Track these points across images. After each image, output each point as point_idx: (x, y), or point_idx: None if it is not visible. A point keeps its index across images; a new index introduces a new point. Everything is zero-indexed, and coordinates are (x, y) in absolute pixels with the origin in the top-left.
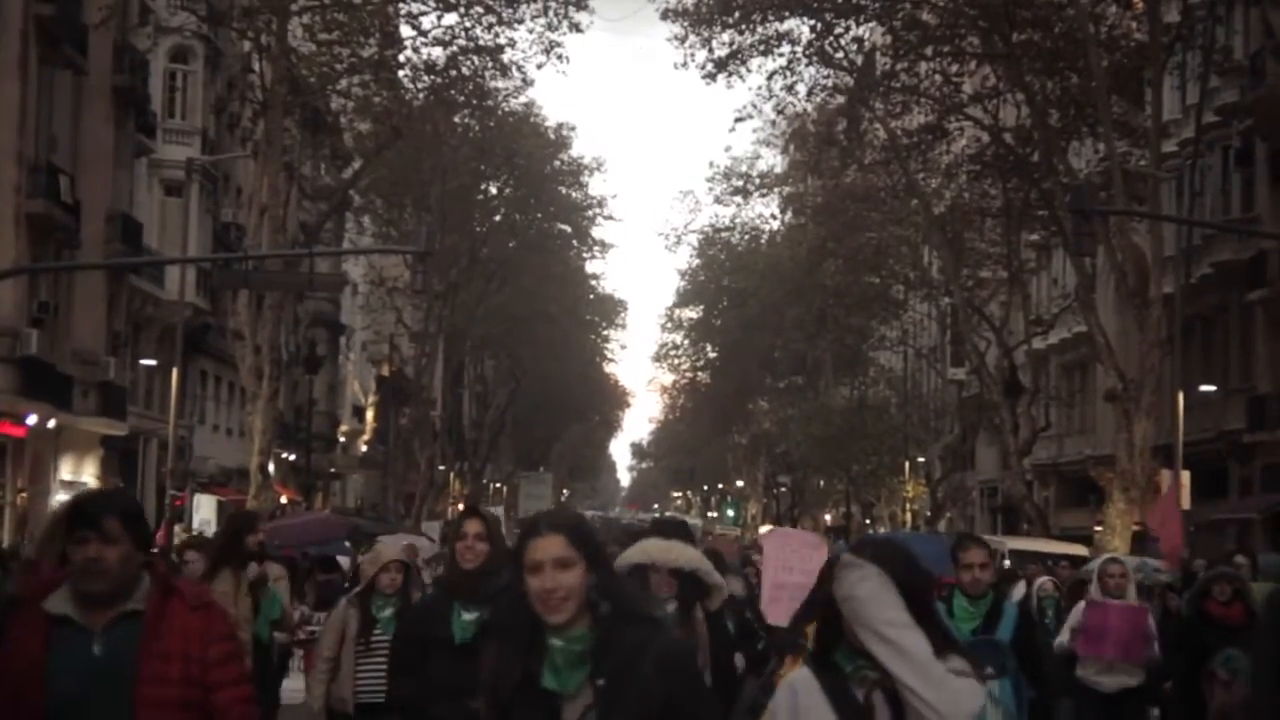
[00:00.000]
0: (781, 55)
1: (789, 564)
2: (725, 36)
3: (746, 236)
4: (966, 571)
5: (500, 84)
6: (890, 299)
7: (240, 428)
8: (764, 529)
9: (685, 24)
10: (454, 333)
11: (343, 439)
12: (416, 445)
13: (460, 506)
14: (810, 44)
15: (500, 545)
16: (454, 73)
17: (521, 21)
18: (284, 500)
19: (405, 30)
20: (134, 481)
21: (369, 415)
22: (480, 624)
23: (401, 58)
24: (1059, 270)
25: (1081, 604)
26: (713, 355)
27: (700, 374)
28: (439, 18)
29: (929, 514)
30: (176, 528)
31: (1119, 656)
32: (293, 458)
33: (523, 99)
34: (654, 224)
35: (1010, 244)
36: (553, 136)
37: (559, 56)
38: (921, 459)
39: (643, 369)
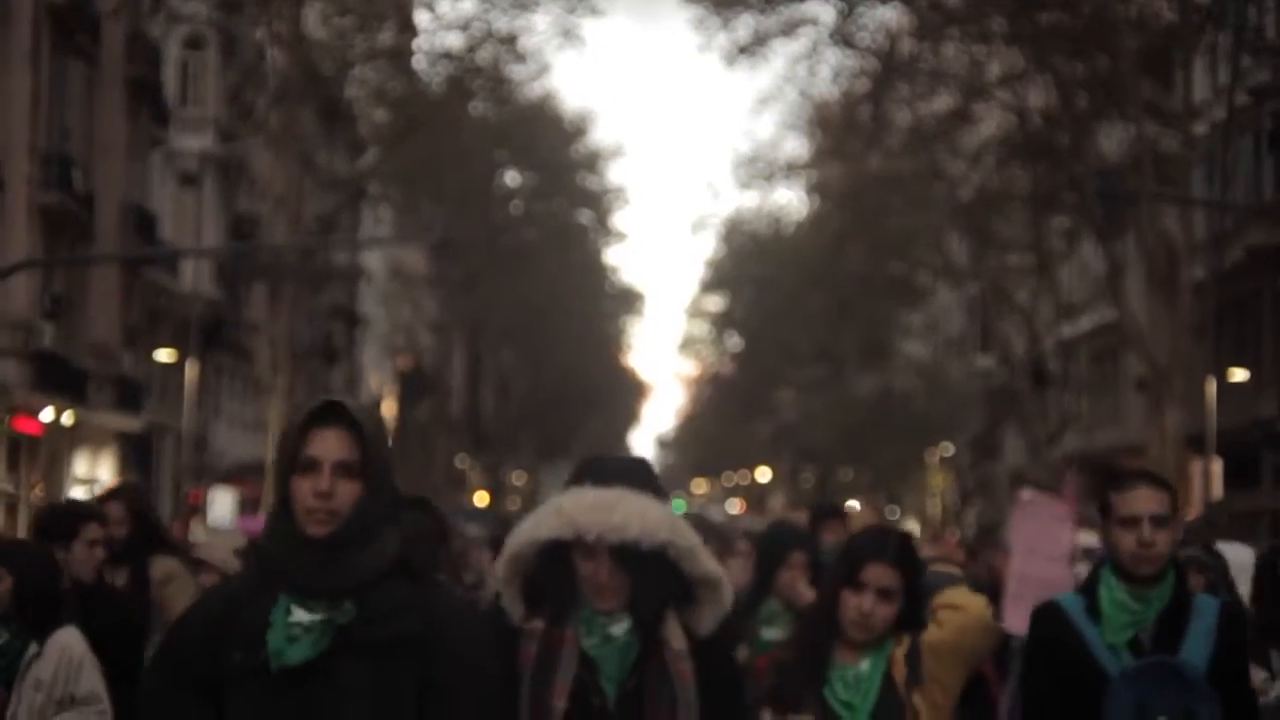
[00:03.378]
0: (805, 38)
1: (1036, 545)
2: (747, 20)
3: (771, 223)
4: (1128, 530)
5: (517, 70)
6: (916, 286)
7: (257, 421)
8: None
9: (706, 7)
10: (473, 323)
11: None
12: (435, 437)
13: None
14: (834, 27)
15: (383, 483)
16: (470, 59)
17: (539, 5)
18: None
19: (421, 17)
20: (150, 476)
21: (387, 407)
22: (330, 631)
23: (417, 44)
24: (1088, 256)
25: None
26: (736, 345)
27: (724, 364)
28: (454, 3)
29: (959, 506)
30: (193, 522)
31: None
32: None
33: (540, 86)
34: (676, 211)
35: (1038, 229)
36: (571, 124)
37: (578, 39)
38: (949, 449)
39: (665, 359)
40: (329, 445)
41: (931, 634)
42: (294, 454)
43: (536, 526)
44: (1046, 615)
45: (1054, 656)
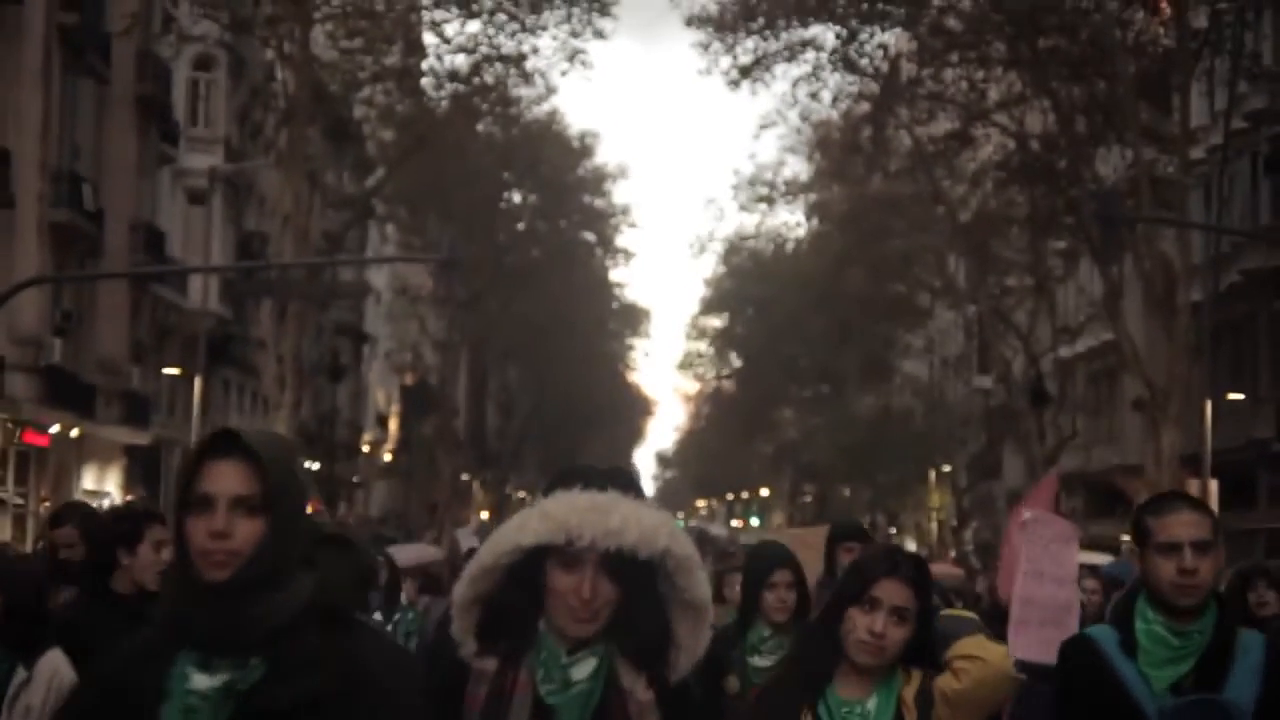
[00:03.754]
0: (806, 62)
1: (1040, 567)
2: (749, 43)
3: (771, 244)
4: (1167, 557)
5: (524, 91)
6: (915, 307)
7: None
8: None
9: (709, 31)
10: (477, 341)
11: (366, 448)
12: (440, 454)
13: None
14: (835, 51)
15: (291, 519)
16: (477, 80)
17: (545, 28)
18: (307, 510)
19: (428, 38)
20: (157, 491)
21: (392, 424)
22: (231, 700)
23: (424, 65)
24: (1086, 278)
25: None
26: (737, 364)
27: (725, 382)
28: (462, 25)
29: (955, 524)
30: None
31: None
32: (316, 467)
33: (546, 106)
34: (678, 231)
35: (1036, 252)
36: (576, 145)
37: (582, 63)
38: (947, 468)
39: (667, 377)
40: (224, 479)
41: (948, 684)
42: (186, 490)
43: (519, 532)
44: (1078, 650)
45: (1088, 695)
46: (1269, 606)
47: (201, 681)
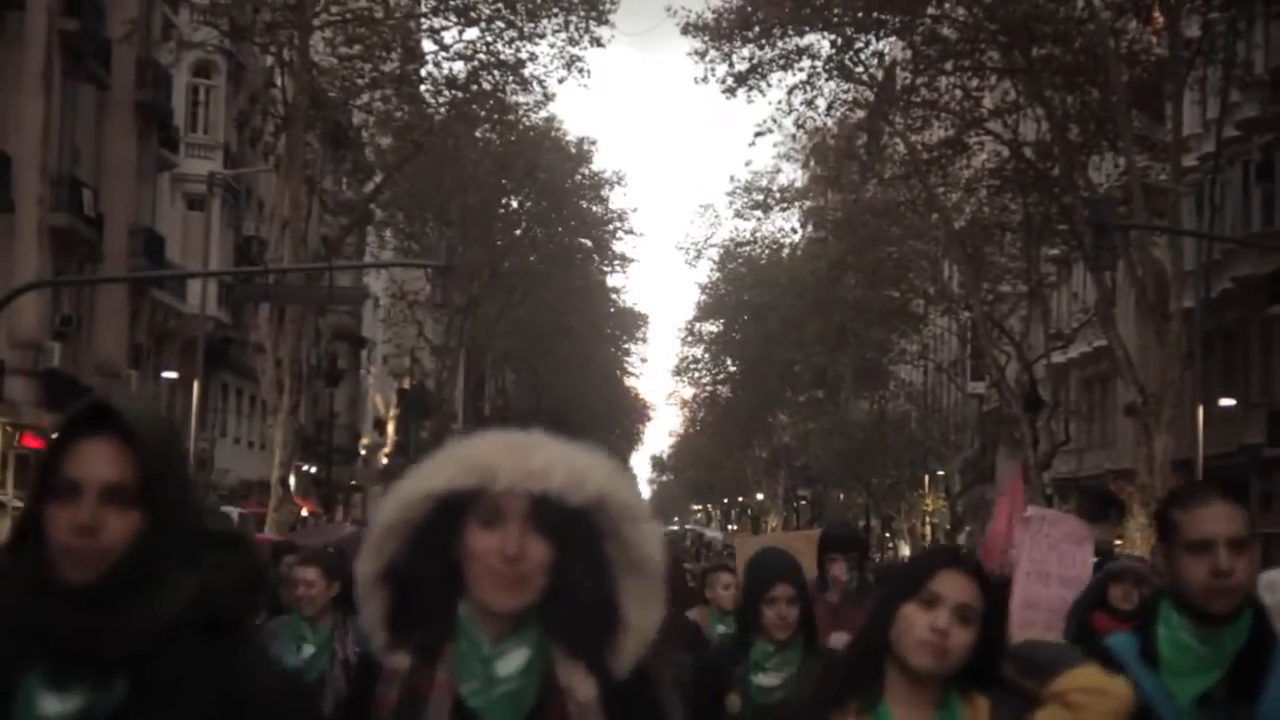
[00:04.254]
0: (801, 70)
1: (1045, 567)
2: (745, 51)
3: (767, 250)
4: (1199, 557)
5: (521, 98)
6: (910, 313)
7: (261, 441)
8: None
9: (705, 39)
10: (475, 346)
11: (364, 452)
12: None
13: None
14: (830, 59)
15: (173, 513)
16: (475, 87)
17: (543, 36)
18: (305, 513)
19: (427, 45)
20: None
21: (390, 428)
22: (92, 710)
23: (423, 72)
24: (1079, 284)
25: None
26: (733, 369)
27: (720, 388)
28: (460, 32)
29: (948, 527)
30: None
31: None
32: (313, 470)
33: (544, 113)
34: (675, 237)
35: (1030, 258)
36: (573, 151)
37: (580, 70)
38: (941, 473)
39: (663, 382)
40: (94, 463)
41: (1060, 718)
42: (49, 474)
43: (427, 478)
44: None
45: None
46: None
47: (52, 706)
